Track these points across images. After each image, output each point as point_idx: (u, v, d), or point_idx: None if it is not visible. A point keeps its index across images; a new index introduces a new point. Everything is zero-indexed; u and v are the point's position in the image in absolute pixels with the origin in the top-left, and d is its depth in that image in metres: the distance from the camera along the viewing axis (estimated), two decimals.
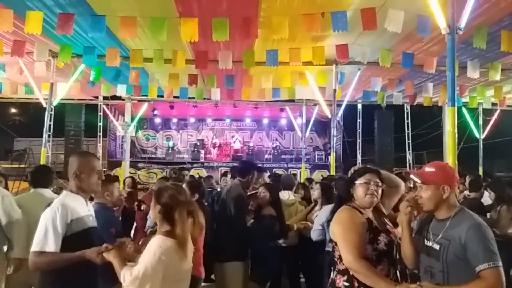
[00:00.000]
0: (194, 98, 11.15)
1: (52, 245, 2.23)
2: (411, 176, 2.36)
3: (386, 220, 2.51)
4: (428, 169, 2.30)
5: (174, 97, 11.12)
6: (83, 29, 6.60)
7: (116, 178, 3.74)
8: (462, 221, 2.16)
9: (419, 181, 2.27)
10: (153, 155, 17.16)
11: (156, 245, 2.09)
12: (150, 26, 6.01)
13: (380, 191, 2.45)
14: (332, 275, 2.46)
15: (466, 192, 5.31)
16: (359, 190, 2.43)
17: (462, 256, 2.09)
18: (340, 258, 2.37)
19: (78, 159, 2.49)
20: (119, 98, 12.87)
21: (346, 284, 2.32)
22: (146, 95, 10.89)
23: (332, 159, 9.29)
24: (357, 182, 2.44)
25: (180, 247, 2.11)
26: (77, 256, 2.22)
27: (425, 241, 2.29)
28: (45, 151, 8.22)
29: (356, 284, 2.29)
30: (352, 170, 2.67)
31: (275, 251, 3.99)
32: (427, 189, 2.24)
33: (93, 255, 2.20)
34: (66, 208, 2.30)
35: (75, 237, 2.29)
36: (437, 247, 2.21)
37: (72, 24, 5.86)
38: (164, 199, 2.23)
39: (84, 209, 2.43)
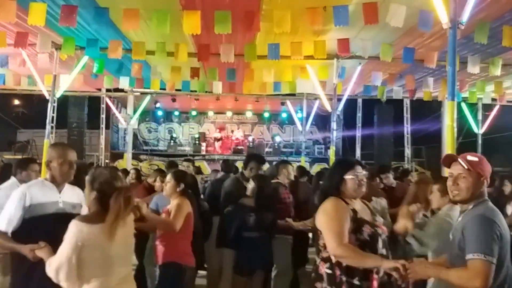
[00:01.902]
0: (196, 91, 11.19)
1: (3, 225, 2.48)
2: (459, 160, 2.18)
3: (375, 217, 2.56)
4: (471, 158, 2.17)
5: (176, 90, 11.16)
6: (86, 21, 6.63)
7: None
8: (473, 211, 2.11)
9: (466, 166, 2.14)
10: (155, 147, 17.24)
11: (70, 231, 2.12)
12: (153, 19, 6.04)
13: (365, 179, 2.55)
14: (316, 262, 2.53)
15: None
16: (350, 183, 2.48)
17: (461, 246, 2.06)
18: (324, 246, 2.43)
19: (50, 149, 2.70)
20: (122, 90, 12.90)
21: (328, 271, 2.38)
22: (149, 88, 10.93)
23: (331, 152, 9.35)
24: (347, 176, 2.48)
25: (107, 232, 2.11)
26: (14, 247, 2.45)
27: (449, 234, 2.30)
28: (48, 143, 8.27)
29: (338, 272, 2.35)
30: (335, 164, 2.74)
31: (251, 242, 3.85)
32: (468, 177, 2.13)
33: (26, 251, 2.37)
34: (26, 193, 2.53)
35: (32, 221, 2.50)
36: (450, 237, 2.22)
37: (76, 16, 5.89)
38: (99, 185, 2.26)
39: (52, 196, 2.60)
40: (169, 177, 3.64)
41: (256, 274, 3.94)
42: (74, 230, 2.12)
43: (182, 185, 3.58)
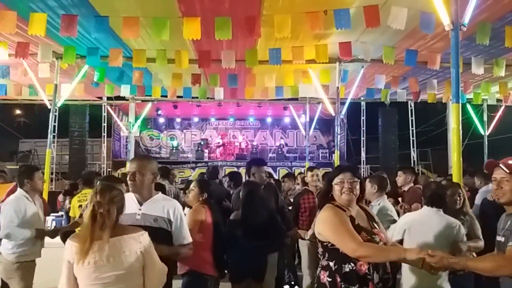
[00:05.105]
0: (197, 97, 11.17)
1: None
2: (501, 165, 2.34)
3: (374, 224, 2.53)
4: None
5: (178, 96, 11.14)
6: (86, 30, 6.62)
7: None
8: None
9: (507, 170, 2.30)
10: (157, 155, 17.21)
11: (64, 249, 2.16)
12: (152, 26, 6.02)
13: (357, 187, 2.46)
14: (317, 272, 2.47)
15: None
16: (336, 190, 2.47)
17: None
18: (323, 254, 2.41)
19: None
20: (123, 98, 12.91)
21: (329, 279, 2.34)
22: (150, 95, 10.92)
23: (336, 157, 9.29)
24: (333, 183, 2.49)
25: (82, 251, 2.06)
26: None
27: (497, 236, 2.38)
28: (50, 152, 8.28)
29: (338, 279, 2.31)
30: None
31: (241, 251, 3.72)
32: (511, 180, 2.29)
33: None
34: None
35: None
36: (502, 239, 2.30)
37: (76, 26, 5.89)
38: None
39: (131, 208, 2.53)
40: (193, 184, 3.59)
41: (248, 283, 3.79)
42: (65, 248, 2.13)
43: (205, 195, 3.53)
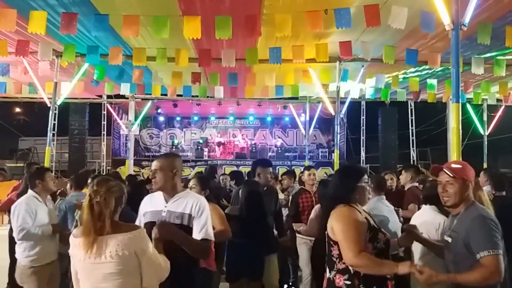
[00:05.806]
0: (197, 96, 11.16)
1: None
2: (444, 169, 2.41)
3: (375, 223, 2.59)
4: (455, 165, 2.43)
5: (178, 95, 11.14)
6: (86, 28, 6.61)
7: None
8: (470, 213, 2.31)
9: (451, 174, 2.36)
10: (157, 153, 17.22)
11: None
12: (153, 25, 6.01)
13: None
14: (329, 275, 2.43)
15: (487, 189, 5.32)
16: (362, 191, 2.48)
17: (467, 246, 2.23)
18: (339, 257, 2.37)
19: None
20: (123, 96, 12.90)
21: (348, 282, 2.32)
22: (150, 94, 10.91)
23: (336, 156, 9.27)
24: (360, 184, 2.49)
25: (81, 246, 2.08)
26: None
27: (445, 236, 2.47)
28: (50, 150, 8.25)
29: (357, 282, 2.30)
30: (346, 171, 2.72)
31: (237, 249, 3.78)
32: (455, 183, 2.36)
33: None
34: (145, 201, 2.77)
35: (146, 226, 2.56)
36: (449, 240, 2.38)
37: (76, 24, 5.87)
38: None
39: (158, 206, 2.65)
40: (194, 182, 3.61)
41: (244, 282, 3.81)
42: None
43: (208, 191, 3.57)
